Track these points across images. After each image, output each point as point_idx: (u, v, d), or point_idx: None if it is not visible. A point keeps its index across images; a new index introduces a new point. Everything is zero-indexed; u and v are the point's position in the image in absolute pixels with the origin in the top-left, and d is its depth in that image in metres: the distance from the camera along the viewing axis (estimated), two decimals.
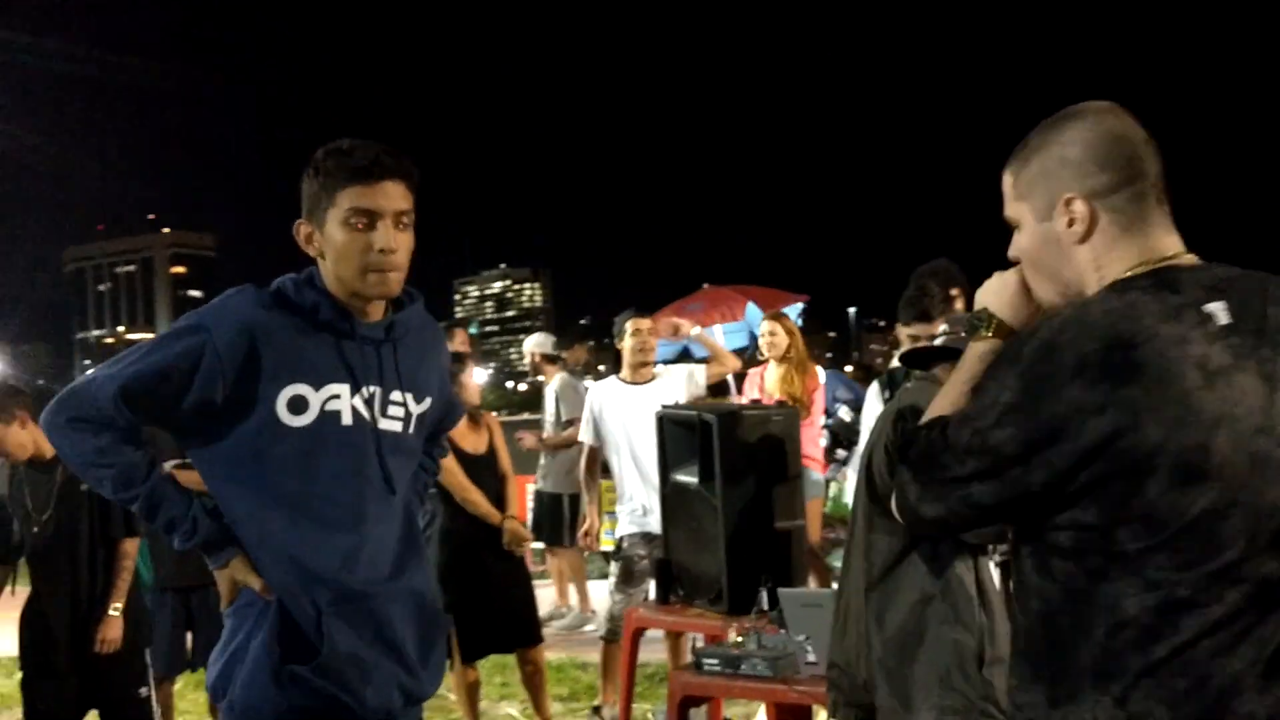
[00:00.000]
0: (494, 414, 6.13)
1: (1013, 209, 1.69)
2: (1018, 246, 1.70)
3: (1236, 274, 1.57)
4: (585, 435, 5.74)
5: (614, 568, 5.55)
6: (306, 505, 2.20)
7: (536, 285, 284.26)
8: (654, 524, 5.18)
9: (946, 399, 1.71)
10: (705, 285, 10.96)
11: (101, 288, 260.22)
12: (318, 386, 2.21)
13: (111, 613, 4.43)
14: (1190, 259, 1.59)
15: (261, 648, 2.18)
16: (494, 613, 5.12)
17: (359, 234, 2.20)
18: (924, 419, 1.69)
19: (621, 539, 5.53)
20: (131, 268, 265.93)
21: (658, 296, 10.56)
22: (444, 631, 2.43)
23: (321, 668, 2.17)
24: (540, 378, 8.33)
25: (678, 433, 4.53)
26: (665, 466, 4.60)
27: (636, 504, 5.42)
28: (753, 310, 9.59)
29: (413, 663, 2.30)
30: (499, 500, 5.19)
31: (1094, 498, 1.47)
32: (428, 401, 2.40)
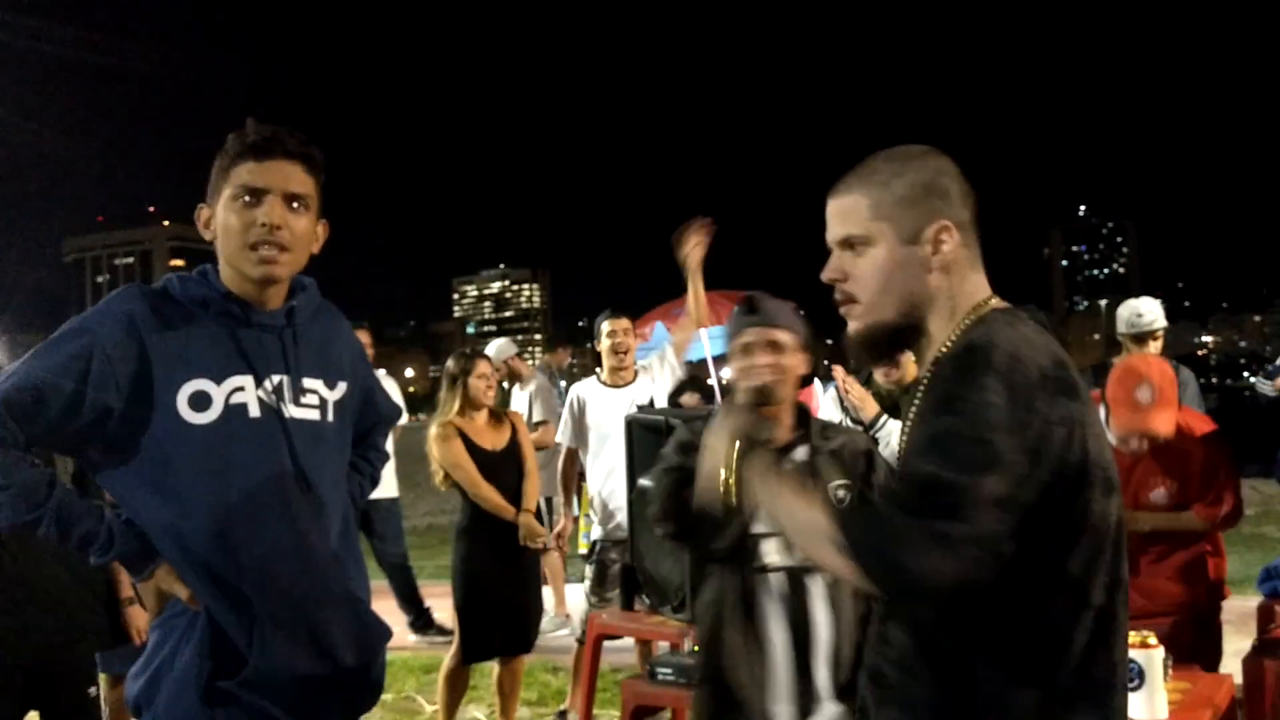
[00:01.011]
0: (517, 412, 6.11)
1: (865, 228, 1.70)
2: (870, 264, 1.69)
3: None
4: (563, 436, 5.73)
5: (588, 571, 5.52)
6: (225, 507, 2.08)
7: (535, 286, 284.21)
8: (627, 527, 5.11)
9: (801, 513, 1.63)
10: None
11: (100, 279, 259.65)
12: (219, 380, 2.11)
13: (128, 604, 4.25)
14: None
15: (189, 662, 2.07)
16: (501, 617, 5.06)
17: (245, 210, 2.13)
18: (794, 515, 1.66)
19: (595, 542, 5.50)
20: (130, 259, 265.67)
21: (655, 299, 10.54)
22: (384, 641, 2.31)
23: (252, 682, 2.06)
24: (509, 383, 8.18)
25: (645, 437, 4.46)
26: (633, 471, 4.54)
27: (611, 507, 5.38)
28: None
29: (350, 674, 2.18)
30: (517, 497, 5.14)
31: (1049, 510, 1.51)
32: (342, 386, 2.30)
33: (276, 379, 2.17)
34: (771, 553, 2.79)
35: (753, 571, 2.80)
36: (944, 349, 1.66)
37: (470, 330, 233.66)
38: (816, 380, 6.77)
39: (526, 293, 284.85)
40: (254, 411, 2.13)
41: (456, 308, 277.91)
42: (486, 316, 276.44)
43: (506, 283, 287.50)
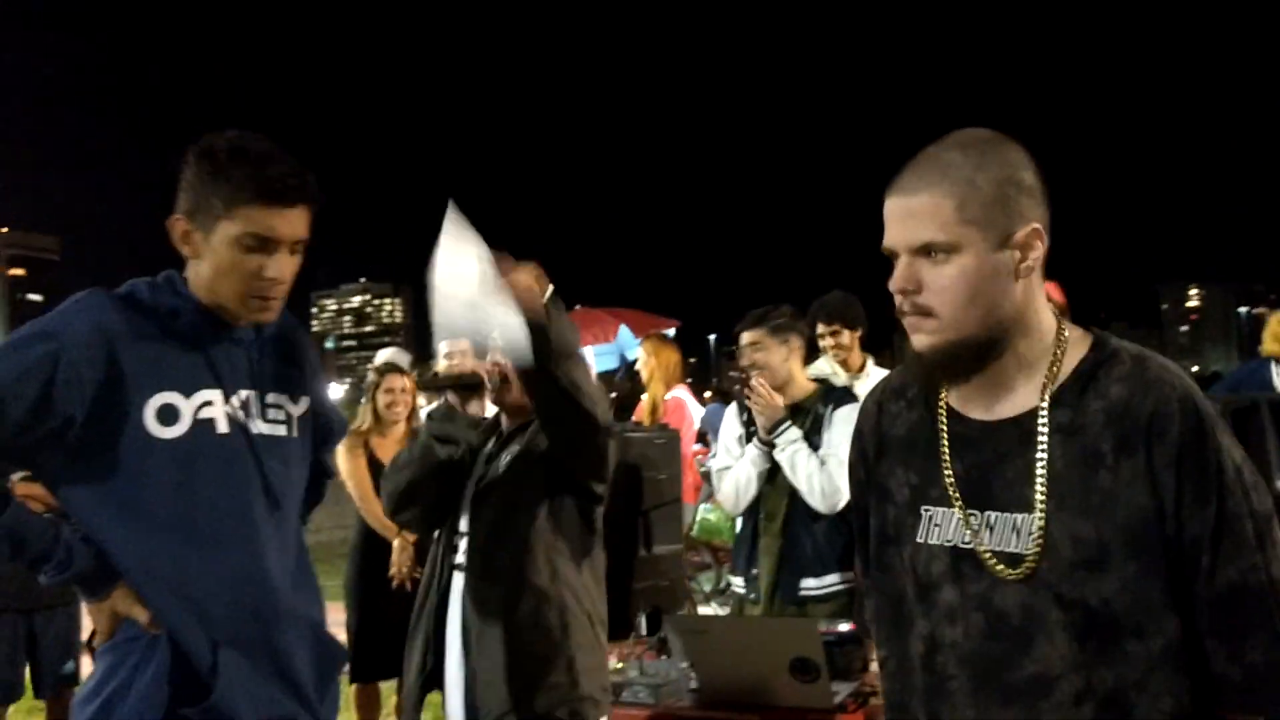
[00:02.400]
0: None
1: (951, 234, 1.52)
2: (956, 274, 1.53)
3: None
4: None
5: None
6: (191, 525, 2.00)
7: (397, 300, 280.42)
8: None
9: None
10: (578, 306, 10.94)
11: None
12: (188, 394, 2.02)
13: None
14: None
15: (149, 687, 1.97)
16: (389, 634, 4.94)
17: (250, 256, 2.03)
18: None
19: None
20: None
21: None
22: (341, 663, 2.26)
23: (215, 708, 1.97)
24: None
25: None
26: None
27: None
28: (625, 333, 9.57)
29: (310, 698, 2.13)
30: None
31: None
32: (305, 401, 2.25)
33: (244, 394, 2.10)
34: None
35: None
36: (1062, 378, 1.56)
37: (329, 345, 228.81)
38: (685, 393, 6.79)
39: (388, 307, 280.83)
40: (222, 427, 2.06)
41: (315, 322, 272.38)
42: (346, 331, 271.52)
43: (368, 297, 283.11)
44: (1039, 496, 1.52)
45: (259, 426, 2.11)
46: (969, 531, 1.57)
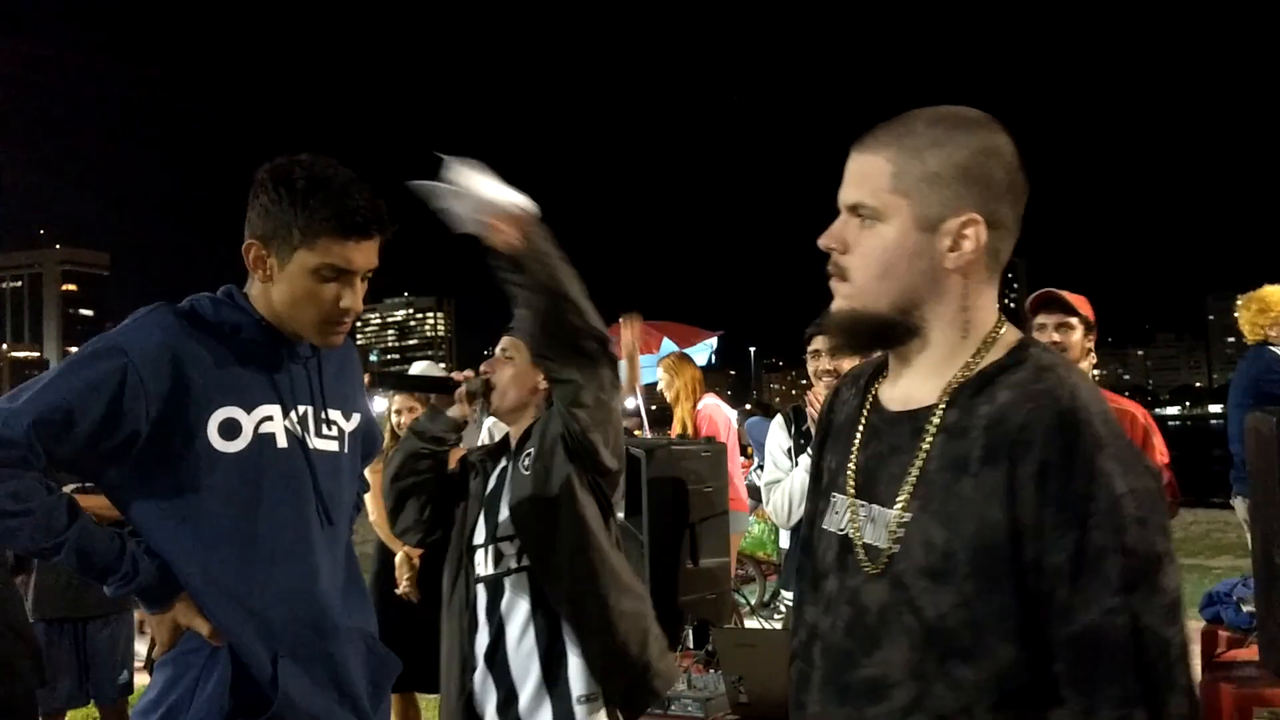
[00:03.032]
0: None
1: (880, 200, 1.45)
2: (875, 242, 1.46)
3: None
4: None
5: None
6: (252, 539, 2.02)
7: (440, 314, 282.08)
8: None
9: None
10: (621, 318, 10.94)
11: None
12: (249, 409, 2.05)
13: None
14: None
15: (211, 698, 1.98)
16: (410, 644, 4.94)
17: (327, 286, 2.06)
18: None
19: None
20: (19, 283, 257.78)
21: None
22: (394, 674, 2.27)
23: (276, 719, 1.98)
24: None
25: None
26: None
27: None
28: (668, 345, 9.57)
29: (365, 708, 2.14)
30: None
31: None
32: (357, 418, 2.28)
33: (302, 409, 2.13)
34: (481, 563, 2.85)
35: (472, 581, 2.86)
36: (965, 378, 1.45)
37: (373, 358, 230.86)
38: (713, 400, 6.74)
39: (431, 321, 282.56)
40: (281, 442, 2.08)
41: (359, 335, 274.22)
42: (390, 344, 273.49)
43: (411, 311, 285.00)
44: (904, 496, 1.44)
45: (315, 442, 2.14)
46: (852, 523, 1.50)
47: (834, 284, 1.50)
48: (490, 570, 2.82)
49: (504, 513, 2.83)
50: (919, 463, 1.43)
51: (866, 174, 1.46)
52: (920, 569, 1.40)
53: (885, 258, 1.44)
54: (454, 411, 2.92)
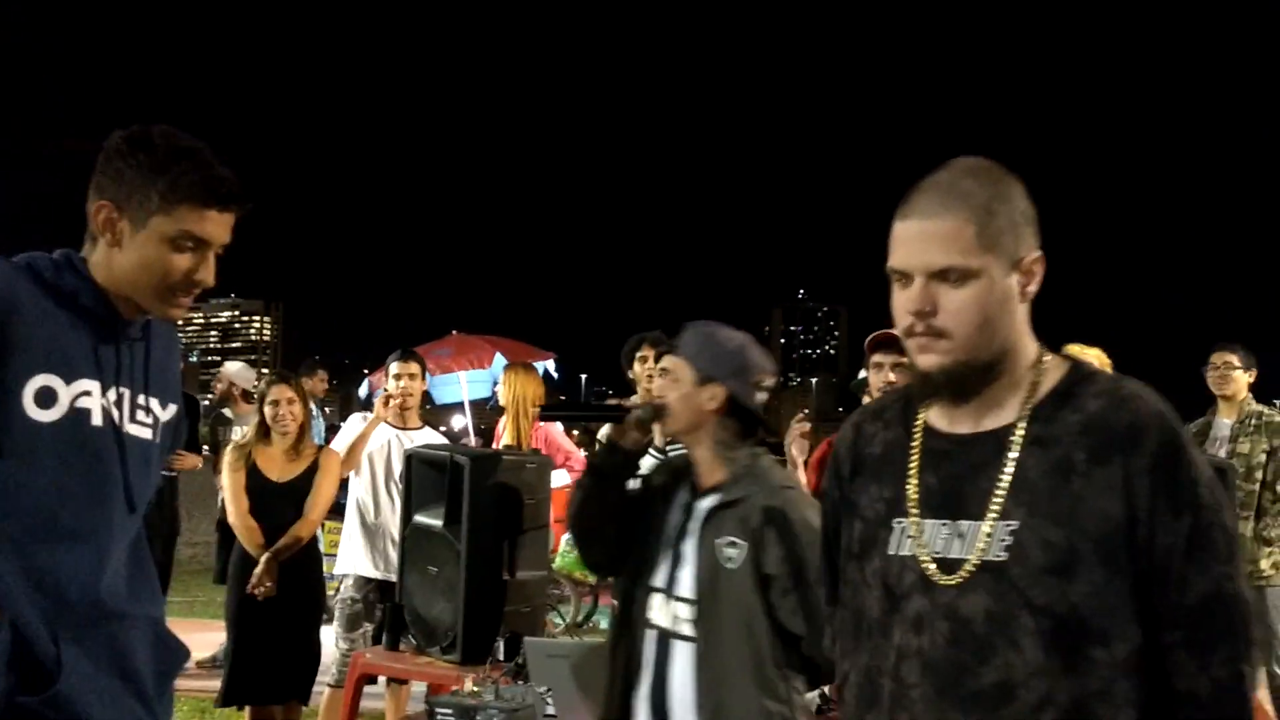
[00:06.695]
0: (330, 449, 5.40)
1: (970, 260, 1.57)
2: (972, 299, 1.58)
3: None
4: None
5: (337, 611, 5.38)
6: (52, 514, 1.92)
7: (267, 318, 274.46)
8: (373, 567, 5.25)
9: None
10: (454, 331, 10.85)
11: None
12: (69, 379, 1.94)
13: None
14: None
15: None
16: (267, 655, 4.79)
17: (181, 255, 2.00)
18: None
19: (341, 580, 5.42)
20: None
21: (396, 338, 10.40)
22: (181, 662, 2.20)
23: (57, 700, 1.89)
24: (226, 410, 7.96)
25: (426, 473, 4.39)
26: (409, 507, 4.44)
27: (363, 544, 5.32)
28: (500, 361, 9.53)
29: (150, 695, 2.06)
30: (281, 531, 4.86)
31: None
32: (172, 408, 2.20)
33: (122, 390, 2.04)
34: (654, 609, 2.73)
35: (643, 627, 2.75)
36: (1038, 396, 1.62)
37: (193, 359, 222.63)
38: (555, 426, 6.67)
39: (257, 324, 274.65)
40: (96, 420, 1.98)
41: (181, 335, 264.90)
42: (212, 346, 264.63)
43: (236, 313, 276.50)
44: (998, 504, 1.56)
45: (129, 427, 2.06)
46: (924, 544, 1.61)
47: (925, 343, 1.60)
48: (664, 623, 2.70)
49: (686, 574, 2.69)
50: (1009, 473, 1.57)
51: (948, 237, 1.57)
52: (1042, 568, 1.52)
53: (984, 310, 1.58)
54: (629, 442, 2.80)
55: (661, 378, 2.79)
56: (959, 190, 1.59)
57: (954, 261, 1.57)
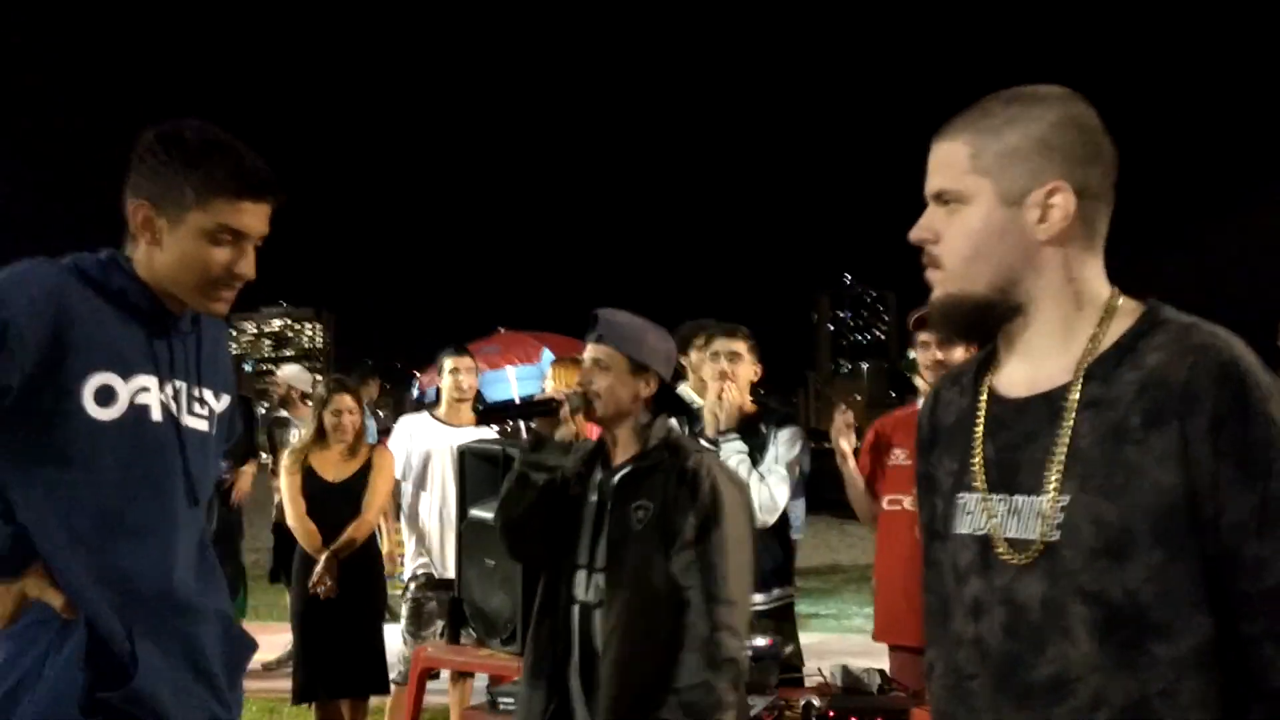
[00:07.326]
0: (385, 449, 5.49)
1: (961, 182, 1.45)
2: (962, 226, 1.46)
3: None
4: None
5: (404, 609, 5.42)
6: (119, 511, 1.94)
7: (318, 325, 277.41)
8: (442, 565, 5.25)
9: None
10: (500, 329, 10.92)
11: None
12: (126, 376, 1.97)
13: None
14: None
15: (65, 673, 1.90)
16: (332, 653, 4.89)
17: (220, 249, 2.01)
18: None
19: (411, 579, 5.45)
20: None
21: (444, 339, 10.47)
22: (249, 655, 2.23)
23: (133, 695, 1.92)
24: (284, 412, 8.06)
25: (479, 467, 4.41)
26: (463, 502, 4.48)
27: (429, 544, 5.36)
28: (548, 356, 9.58)
29: (222, 688, 2.09)
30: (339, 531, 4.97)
31: None
32: (225, 399, 2.23)
33: (178, 384, 2.07)
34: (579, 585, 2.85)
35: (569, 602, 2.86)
36: (1098, 350, 1.41)
37: (248, 368, 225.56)
38: None
39: (309, 332, 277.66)
40: (156, 415, 2.01)
41: (233, 345, 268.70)
42: (265, 354, 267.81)
43: (288, 321, 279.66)
44: (1057, 477, 1.38)
45: (187, 419, 2.08)
46: (994, 518, 1.45)
47: (929, 275, 1.50)
48: (587, 597, 2.82)
49: (602, 545, 2.82)
50: (1065, 442, 1.39)
51: (946, 161, 1.47)
52: (1094, 550, 1.34)
53: (974, 239, 1.45)
54: (562, 433, 2.90)
55: (592, 366, 2.90)
56: (979, 112, 1.48)
57: (943, 185, 1.47)
